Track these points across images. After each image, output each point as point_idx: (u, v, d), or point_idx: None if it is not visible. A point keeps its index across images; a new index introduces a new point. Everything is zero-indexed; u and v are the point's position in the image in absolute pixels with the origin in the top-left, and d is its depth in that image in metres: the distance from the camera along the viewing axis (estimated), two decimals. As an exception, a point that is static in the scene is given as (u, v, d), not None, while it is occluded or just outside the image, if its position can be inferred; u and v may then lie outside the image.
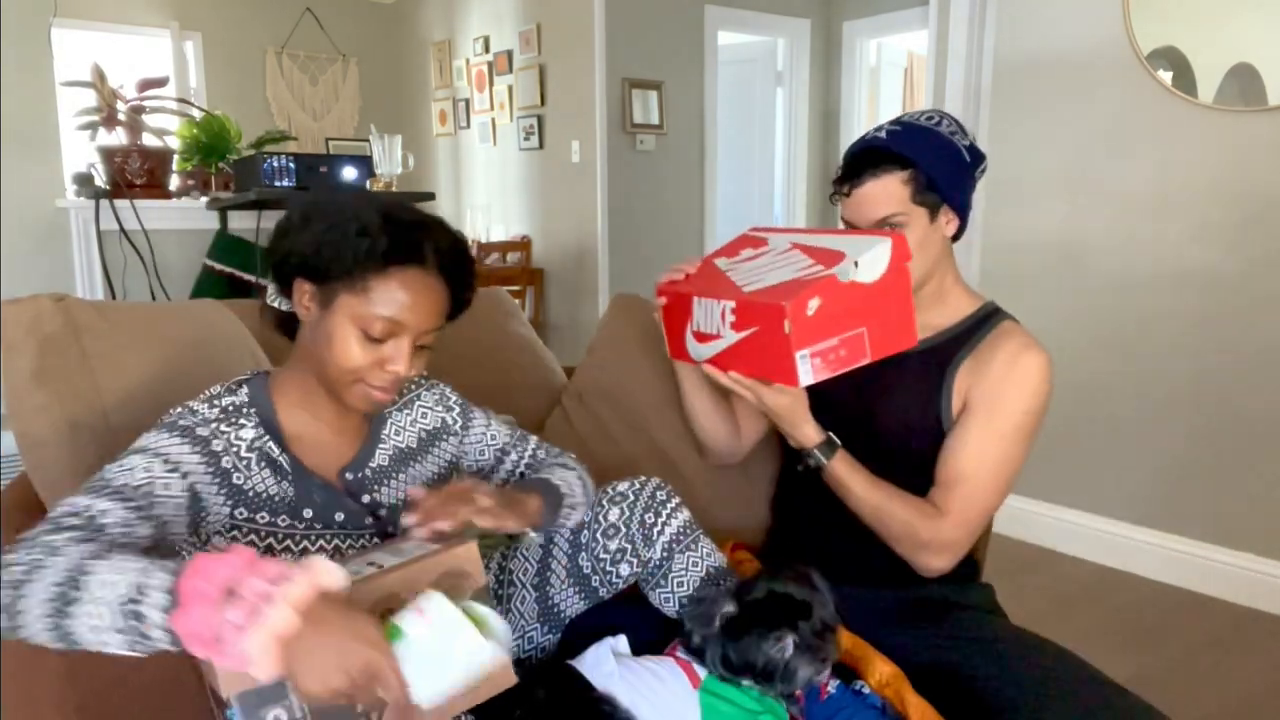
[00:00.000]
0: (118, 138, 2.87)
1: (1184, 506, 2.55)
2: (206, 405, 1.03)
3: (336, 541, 1.06)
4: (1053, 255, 2.77)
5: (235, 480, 1.00)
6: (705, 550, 1.21)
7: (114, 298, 2.84)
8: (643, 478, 1.23)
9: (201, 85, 6.09)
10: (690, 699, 1.03)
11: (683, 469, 1.60)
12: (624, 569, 1.20)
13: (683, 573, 1.20)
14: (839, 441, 1.26)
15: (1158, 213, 2.53)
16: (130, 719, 1.02)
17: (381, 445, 1.15)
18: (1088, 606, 2.47)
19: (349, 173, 2.93)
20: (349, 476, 1.10)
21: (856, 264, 1.08)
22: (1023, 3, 2.76)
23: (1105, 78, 2.59)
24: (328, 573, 0.78)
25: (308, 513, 1.05)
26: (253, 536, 1.01)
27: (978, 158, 1.30)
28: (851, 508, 1.27)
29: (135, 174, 2.85)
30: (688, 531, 1.21)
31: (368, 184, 3.06)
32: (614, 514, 1.20)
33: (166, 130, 3.02)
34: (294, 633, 0.74)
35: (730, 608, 1.05)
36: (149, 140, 2.91)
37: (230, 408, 1.04)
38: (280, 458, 1.04)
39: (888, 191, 1.24)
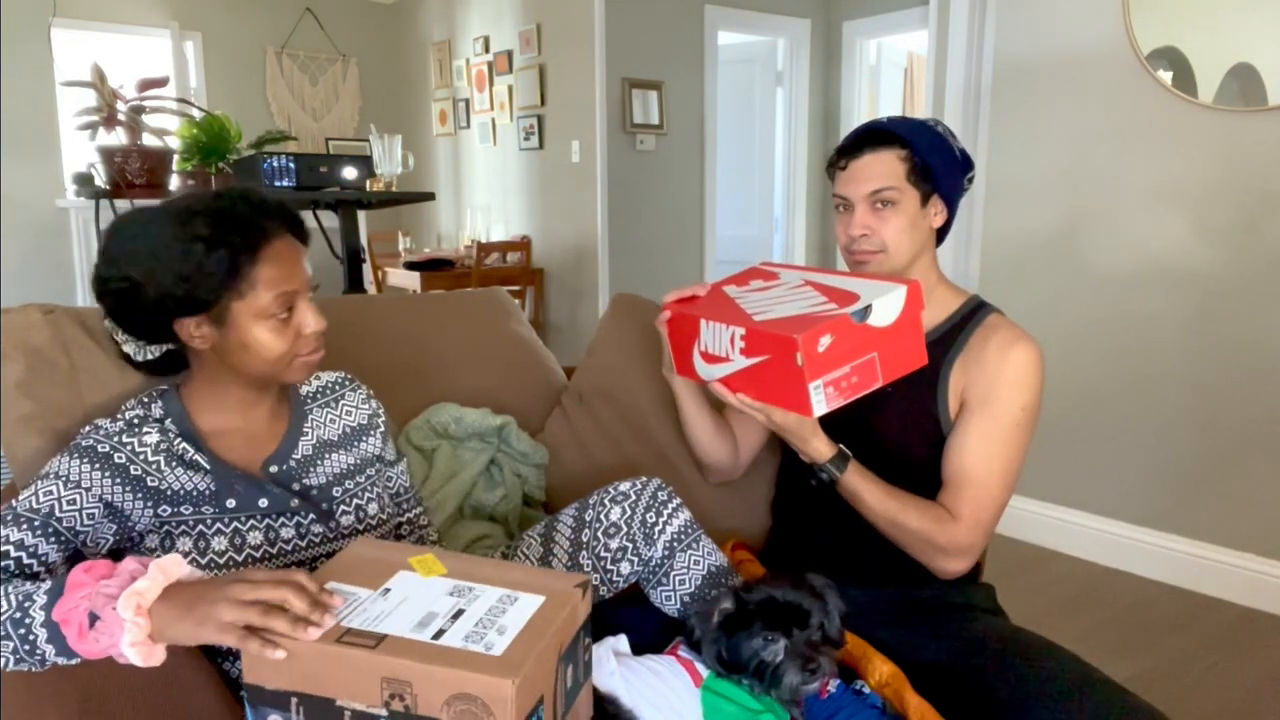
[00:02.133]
0: (118, 138, 2.87)
1: (1184, 506, 2.55)
2: (110, 421, 1.07)
3: (268, 521, 1.08)
4: (1052, 255, 2.77)
5: (150, 483, 1.04)
6: (706, 549, 1.22)
7: (114, 298, 2.84)
8: (644, 478, 1.24)
9: (201, 85, 6.09)
10: (692, 697, 1.04)
11: (682, 470, 1.60)
12: (625, 568, 1.20)
13: (684, 571, 1.20)
14: (850, 454, 1.25)
15: (1157, 213, 2.53)
16: (130, 718, 1.02)
17: (304, 437, 1.17)
18: (1088, 606, 2.47)
19: (349, 173, 2.92)
20: (273, 469, 1.13)
21: (870, 308, 1.06)
22: (1023, 3, 2.76)
23: (1105, 78, 2.59)
24: (176, 565, 0.85)
25: (230, 502, 1.07)
26: (183, 528, 1.05)
27: (968, 163, 1.34)
28: (866, 518, 1.27)
29: (135, 174, 2.84)
30: (689, 531, 1.22)
31: (367, 184, 3.06)
32: (615, 513, 1.20)
33: (166, 130, 3.01)
34: (154, 600, 0.81)
35: (729, 604, 1.05)
36: (149, 140, 2.91)
37: (135, 420, 1.08)
38: (196, 456, 1.07)
39: (885, 165, 1.27)
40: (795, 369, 1.04)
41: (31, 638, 0.83)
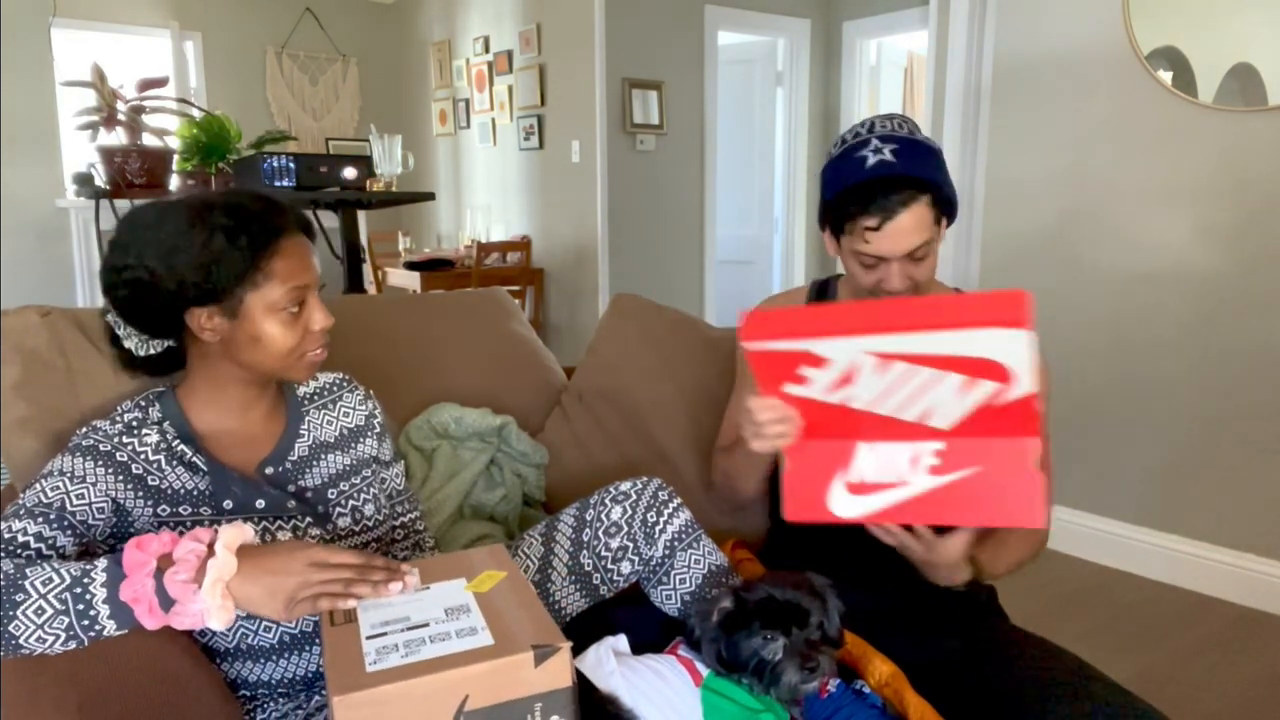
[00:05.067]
0: (118, 138, 2.87)
1: (1184, 506, 2.55)
2: (109, 423, 1.08)
3: (265, 524, 1.09)
4: (1052, 255, 2.77)
5: (151, 482, 1.05)
6: (707, 549, 1.22)
7: (114, 298, 2.84)
8: (645, 477, 1.24)
9: (201, 85, 6.09)
10: (692, 697, 1.03)
11: (682, 470, 1.60)
12: (625, 567, 1.20)
13: (685, 571, 1.20)
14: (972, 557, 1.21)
15: (1157, 213, 2.53)
16: (130, 718, 1.02)
17: (300, 439, 1.17)
18: (1088, 606, 2.47)
19: (349, 173, 2.92)
20: (269, 471, 1.13)
21: (1029, 375, 0.90)
22: (1023, 3, 2.76)
23: (1105, 77, 2.59)
24: (239, 530, 0.90)
25: (228, 503, 1.08)
26: (180, 529, 1.04)
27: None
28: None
29: (135, 174, 2.84)
30: (689, 530, 1.22)
31: (367, 184, 3.06)
32: (616, 512, 1.20)
33: (166, 130, 3.01)
34: (234, 574, 0.87)
35: (728, 604, 1.05)
36: (149, 140, 2.91)
37: (134, 422, 1.09)
38: (194, 458, 1.08)
39: (921, 220, 1.20)
40: (1026, 473, 0.94)
41: (93, 613, 0.85)
